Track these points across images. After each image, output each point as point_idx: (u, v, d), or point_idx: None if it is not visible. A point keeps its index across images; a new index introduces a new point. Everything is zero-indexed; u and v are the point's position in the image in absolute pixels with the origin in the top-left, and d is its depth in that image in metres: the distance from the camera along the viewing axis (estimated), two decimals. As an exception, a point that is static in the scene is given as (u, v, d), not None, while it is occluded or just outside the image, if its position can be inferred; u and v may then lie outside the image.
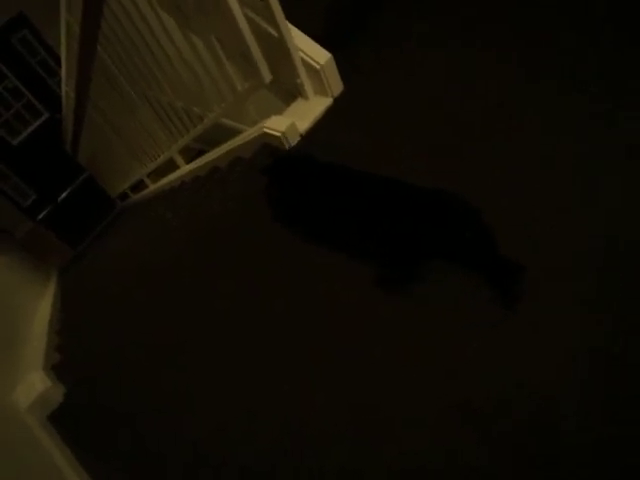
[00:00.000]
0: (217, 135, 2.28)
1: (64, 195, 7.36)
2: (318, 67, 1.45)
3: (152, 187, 3.92)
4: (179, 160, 3.04)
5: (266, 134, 1.50)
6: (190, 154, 3.14)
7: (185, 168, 2.83)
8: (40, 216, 7.11)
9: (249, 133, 1.67)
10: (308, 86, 1.52)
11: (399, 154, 1.12)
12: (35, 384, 1.71)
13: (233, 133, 1.95)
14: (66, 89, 3.49)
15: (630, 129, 0.82)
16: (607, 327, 0.63)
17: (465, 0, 1.47)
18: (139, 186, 4.65)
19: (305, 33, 1.48)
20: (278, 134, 1.45)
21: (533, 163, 0.88)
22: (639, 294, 0.63)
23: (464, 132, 1.05)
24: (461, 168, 0.97)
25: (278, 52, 1.45)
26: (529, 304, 0.71)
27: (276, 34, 1.42)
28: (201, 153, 2.61)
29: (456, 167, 0.98)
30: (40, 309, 3.38)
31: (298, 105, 1.57)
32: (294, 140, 1.46)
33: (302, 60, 1.46)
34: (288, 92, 1.62)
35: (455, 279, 0.81)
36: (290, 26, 1.42)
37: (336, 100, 1.50)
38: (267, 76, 1.44)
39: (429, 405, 0.70)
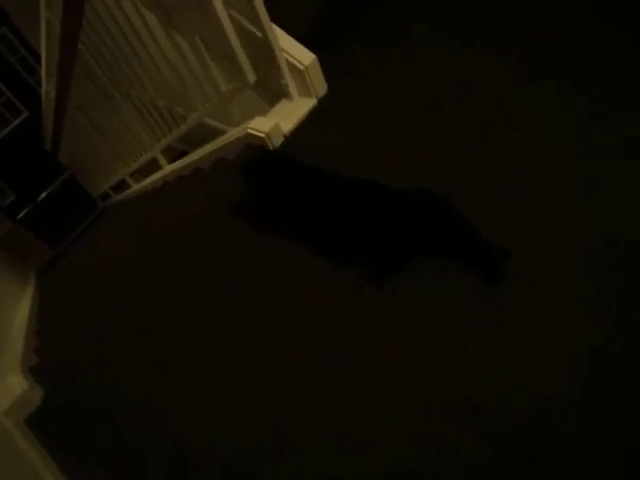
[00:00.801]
0: (200, 136, 2.27)
1: (44, 195, 7.24)
2: (302, 68, 1.45)
3: (135, 187, 3.88)
4: (162, 160, 3.02)
5: (250, 135, 1.50)
6: (173, 154, 3.12)
7: (168, 168, 2.81)
8: (19, 216, 6.98)
9: (233, 134, 1.67)
10: (292, 87, 1.52)
11: (399, 154, 1.12)
12: (12, 387, 1.68)
13: (216, 134, 1.94)
14: (46, 87, 3.44)
15: (630, 129, 0.83)
16: (607, 327, 0.64)
17: (465, 0, 1.48)
18: (121, 186, 4.60)
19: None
20: (262, 135, 1.44)
21: (533, 163, 0.89)
22: (639, 294, 0.64)
23: (464, 132, 1.05)
24: (461, 168, 0.98)
25: (262, 53, 1.45)
26: (529, 304, 0.72)
27: (260, 35, 1.41)
28: (184, 154, 2.60)
29: (456, 167, 0.99)
30: (19, 311, 3.32)
31: (282, 106, 1.57)
32: (278, 141, 1.46)
33: (286, 61, 1.46)
34: (272, 93, 1.62)
35: (457, 278, 0.81)
36: (274, 27, 1.42)
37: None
38: (251, 77, 1.43)
39: (431, 402, 0.70)
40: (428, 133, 1.13)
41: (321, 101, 1.51)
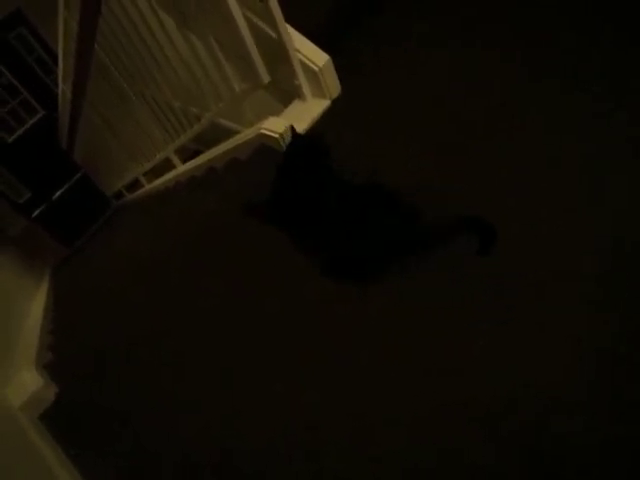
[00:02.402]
0: (214, 135, 2.28)
1: (59, 193, 7.33)
2: (316, 69, 1.45)
3: (148, 186, 3.91)
4: (175, 160, 3.04)
5: (263, 135, 1.51)
6: (186, 154, 3.14)
7: (181, 168, 2.83)
8: (34, 214, 7.07)
9: (246, 134, 1.67)
10: (306, 88, 1.53)
11: (405, 152, 1.12)
12: (27, 383, 1.70)
13: (230, 134, 1.95)
14: (63, 87, 3.48)
15: (633, 129, 0.82)
16: (614, 327, 0.63)
17: (467, 0, 1.48)
18: (135, 185, 4.64)
19: (305, 34, 1.48)
20: (275, 135, 1.45)
21: (538, 163, 0.88)
22: None
23: (468, 131, 1.05)
24: (466, 167, 0.97)
25: (277, 53, 1.45)
26: (535, 304, 0.71)
27: (275, 36, 1.42)
28: (197, 153, 2.61)
29: (461, 166, 0.98)
30: (33, 308, 3.36)
31: (296, 107, 1.57)
32: (291, 141, 1.46)
33: (300, 62, 1.47)
34: (286, 93, 1.63)
35: (462, 278, 0.81)
36: (289, 28, 1.42)
37: (340, 101, 1.50)
38: (265, 77, 1.44)
39: (436, 403, 0.70)
40: (432, 132, 1.13)
41: (339, 101, 1.51)
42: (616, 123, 0.85)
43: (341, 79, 1.52)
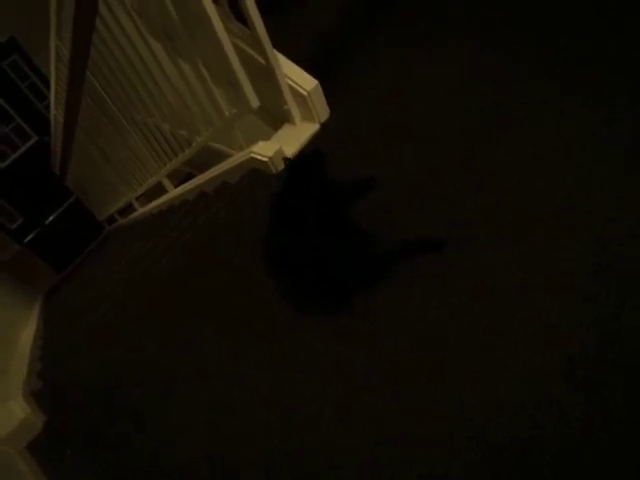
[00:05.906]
0: (205, 159, 2.30)
1: (51, 218, 7.32)
2: (305, 93, 1.47)
3: (140, 210, 3.92)
4: (167, 184, 3.05)
5: (253, 159, 1.52)
6: (179, 177, 3.15)
7: (173, 192, 2.84)
8: (26, 239, 7.04)
9: (236, 158, 1.69)
10: (295, 112, 1.55)
11: (406, 158, 1.12)
12: (14, 412, 1.67)
13: (221, 157, 1.96)
14: (55, 113, 3.51)
15: (633, 129, 0.83)
16: (588, 349, 0.63)
17: (464, 6, 1.49)
18: (127, 209, 4.65)
19: (300, 55, 1.50)
20: (265, 159, 1.46)
21: (536, 164, 0.88)
22: (632, 311, 0.63)
23: (466, 134, 1.05)
24: (463, 171, 0.97)
25: (265, 79, 1.47)
26: (511, 323, 0.71)
27: (263, 62, 1.44)
28: (190, 176, 2.62)
29: (458, 170, 0.98)
30: (23, 334, 3.33)
31: (285, 130, 1.59)
32: (281, 165, 1.47)
33: (289, 87, 1.49)
34: (275, 117, 1.64)
35: (432, 305, 0.81)
36: (277, 53, 1.45)
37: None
38: (254, 102, 1.45)
39: (414, 427, 0.69)
40: (429, 136, 1.13)
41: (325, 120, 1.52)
42: (615, 123, 0.85)
43: (334, 102, 1.53)
